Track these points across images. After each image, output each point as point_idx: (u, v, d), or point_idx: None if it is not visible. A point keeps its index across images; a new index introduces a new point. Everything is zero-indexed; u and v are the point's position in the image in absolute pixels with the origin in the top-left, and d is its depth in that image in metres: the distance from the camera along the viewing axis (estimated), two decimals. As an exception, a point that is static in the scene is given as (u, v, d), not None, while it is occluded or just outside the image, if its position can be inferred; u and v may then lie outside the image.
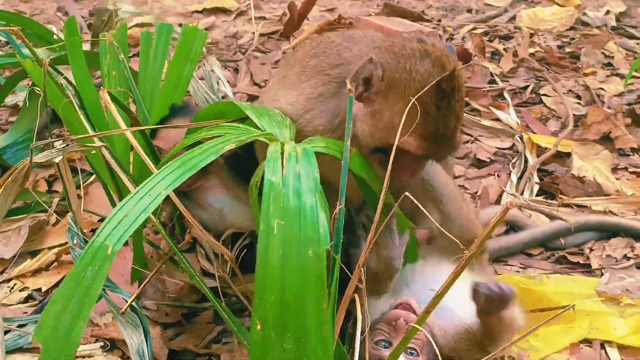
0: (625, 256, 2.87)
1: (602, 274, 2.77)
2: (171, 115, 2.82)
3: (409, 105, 1.90)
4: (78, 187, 3.09)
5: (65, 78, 2.55)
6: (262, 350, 1.60)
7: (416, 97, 1.90)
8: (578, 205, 3.24)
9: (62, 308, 1.56)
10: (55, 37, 3.81)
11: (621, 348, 2.44)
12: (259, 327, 1.59)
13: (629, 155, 3.72)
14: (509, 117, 4.05)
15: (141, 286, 2.33)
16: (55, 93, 2.53)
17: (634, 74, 4.62)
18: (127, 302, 2.24)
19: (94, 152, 2.48)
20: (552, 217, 3.15)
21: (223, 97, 4.03)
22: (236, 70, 4.88)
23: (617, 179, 3.44)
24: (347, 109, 2.02)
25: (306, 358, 1.61)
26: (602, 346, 2.45)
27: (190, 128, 2.21)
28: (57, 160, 2.26)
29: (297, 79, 2.29)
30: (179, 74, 2.87)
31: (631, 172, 3.55)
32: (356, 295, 1.92)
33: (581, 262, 2.90)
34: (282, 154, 1.78)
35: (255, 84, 4.64)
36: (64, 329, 1.54)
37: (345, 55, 2.20)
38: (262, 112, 2.08)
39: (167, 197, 1.94)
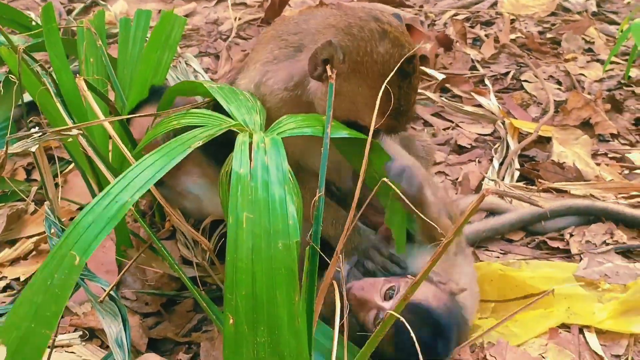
0: (604, 242, 2.88)
1: (581, 259, 2.77)
2: (149, 98, 2.79)
3: (377, 88, 1.94)
4: (57, 175, 3.08)
5: (42, 65, 2.52)
6: (235, 344, 1.59)
7: (384, 84, 1.94)
8: (558, 190, 3.25)
9: (27, 314, 1.52)
10: (33, 23, 3.76)
11: (599, 332, 2.46)
12: (231, 321, 1.58)
13: (609, 141, 3.74)
14: (490, 103, 4.05)
15: (119, 275, 2.32)
16: (32, 81, 2.51)
17: (614, 59, 4.64)
18: (105, 291, 2.23)
19: (70, 140, 2.45)
20: (531, 204, 3.16)
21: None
22: (217, 57, 4.85)
23: (597, 164, 3.45)
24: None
25: (280, 350, 1.61)
26: (581, 331, 2.46)
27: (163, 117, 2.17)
28: (32, 149, 2.24)
29: (256, 51, 2.37)
30: (157, 60, 2.83)
31: (611, 158, 3.58)
32: (335, 282, 1.92)
33: (561, 247, 2.91)
34: (250, 144, 1.76)
35: (236, 70, 4.60)
36: (29, 333, 1.51)
37: (302, 26, 2.24)
38: (231, 97, 2.06)
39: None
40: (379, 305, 2.03)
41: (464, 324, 2.17)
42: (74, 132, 2.16)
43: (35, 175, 3.44)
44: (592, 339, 2.43)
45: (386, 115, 2.02)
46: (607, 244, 2.86)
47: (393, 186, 1.75)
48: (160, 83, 2.89)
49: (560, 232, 3.00)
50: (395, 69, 1.98)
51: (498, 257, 2.86)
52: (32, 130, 2.25)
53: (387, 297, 2.05)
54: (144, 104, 2.81)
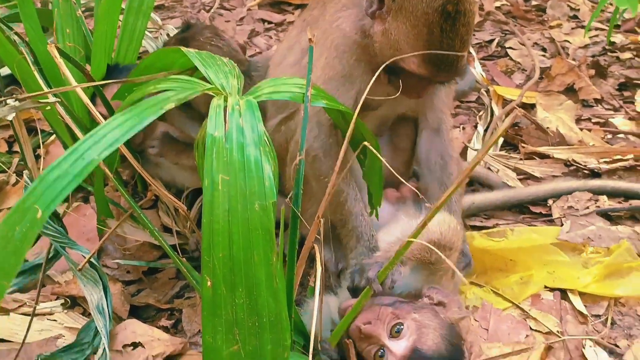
0: (587, 208, 2.88)
1: (562, 223, 2.78)
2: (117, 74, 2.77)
3: (419, 28, 1.95)
4: (38, 147, 3.07)
5: (18, 34, 2.49)
6: (213, 305, 1.59)
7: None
8: (541, 155, 3.25)
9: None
10: (10, -5, 3.72)
11: (582, 295, 2.47)
12: (209, 283, 1.58)
13: (593, 106, 3.73)
14: (475, 70, 4.03)
15: (100, 242, 2.31)
16: (9, 51, 2.48)
17: (599, 25, 4.63)
18: (86, 258, 2.22)
19: (48, 108, 2.42)
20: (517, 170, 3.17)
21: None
22: (200, 28, 4.79)
23: (581, 129, 3.45)
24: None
25: (258, 311, 1.61)
26: (563, 296, 2.48)
27: (139, 82, 2.14)
28: (9, 117, 2.22)
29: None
30: (131, 28, 2.80)
31: (594, 123, 3.57)
32: (315, 246, 1.93)
33: (543, 212, 2.91)
34: (225, 108, 1.72)
35: (220, 43, 4.56)
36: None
37: None
38: (210, 62, 2.03)
39: (126, 157, 1.92)
40: (385, 343, 1.94)
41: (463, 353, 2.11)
42: (51, 99, 2.14)
43: (17, 147, 3.41)
44: (576, 300, 2.45)
45: (426, 59, 2.00)
46: (589, 208, 2.86)
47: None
48: (136, 50, 2.86)
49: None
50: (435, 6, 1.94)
51: (482, 222, 2.86)
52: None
53: (393, 332, 1.95)
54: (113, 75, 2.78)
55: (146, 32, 3.69)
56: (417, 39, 1.99)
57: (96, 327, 2.19)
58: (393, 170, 1.85)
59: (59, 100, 2.17)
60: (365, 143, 1.87)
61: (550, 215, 2.88)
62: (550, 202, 2.95)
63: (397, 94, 2.06)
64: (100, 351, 2.13)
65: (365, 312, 1.98)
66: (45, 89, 2.31)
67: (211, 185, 1.59)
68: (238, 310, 1.60)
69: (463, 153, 3.35)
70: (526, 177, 3.15)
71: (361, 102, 1.84)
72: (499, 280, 2.55)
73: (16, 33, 2.46)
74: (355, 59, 2.23)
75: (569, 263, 2.55)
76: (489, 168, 3.19)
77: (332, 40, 2.26)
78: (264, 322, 1.62)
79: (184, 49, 2.08)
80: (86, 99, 2.00)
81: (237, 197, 1.59)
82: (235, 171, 1.61)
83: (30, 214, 1.50)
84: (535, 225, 2.83)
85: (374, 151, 1.87)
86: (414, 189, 2.09)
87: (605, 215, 2.84)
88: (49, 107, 2.29)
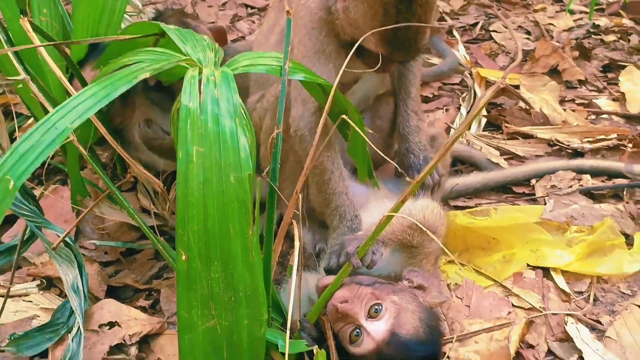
0: (570, 187, 2.86)
1: (546, 203, 2.76)
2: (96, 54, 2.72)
3: (375, 7, 1.93)
4: (15, 130, 3.03)
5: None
6: (188, 279, 1.56)
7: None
8: (524, 135, 3.23)
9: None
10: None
11: (564, 273, 2.45)
12: (184, 257, 1.55)
13: (576, 87, 3.72)
14: (458, 53, 4.01)
15: (76, 222, 2.28)
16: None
17: (583, 9, 4.62)
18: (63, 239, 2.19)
19: (20, 86, 2.39)
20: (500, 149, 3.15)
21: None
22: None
23: (564, 110, 3.43)
24: None
25: (234, 285, 1.59)
26: (545, 274, 2.46)
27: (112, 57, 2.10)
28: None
29: None
30: (111, 10, 2.74)
31: (578, 104, 3.56)
32: (294, 222, 1.90)
33: (526, 192, 2.89)
34: (200, 79, 1.68)
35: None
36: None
37: None
38: (187, 36, 2.00)
39: (105, 140, 1.88)
40: (362, 324, 1.89)
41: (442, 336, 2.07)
42: (23, 75, 2.09)
43: (-5, 131, 3.37)
44: (558, 278, 2.43)
45: (383, 39, 1.99)
46: (572, 187, 2.85)
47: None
48: (114, 32, 2.81)
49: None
50: None
51: (464, 202, 2.84)
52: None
53: (372, 312, 1.91)
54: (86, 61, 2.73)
55: (126, 16, 3.67)
56: (374, 19, 1.97)
57: (71, 307, 2.17)
58: (373, 145, 1.84)
59: (31, 77, 2.13)
60: (345, 117, 1.85)
61: (534, 194, 2.85)
62: (533, 181, 2.92)
63: (370, 70, 2.05)
64: (74, 330, 2.10)
65: (342, 290, 1.94)
66: (19, 68, 2.28)
67: (185, 157, 1.56)
68: (214, 284, 1.57)
69: (446, 133, 3.33)
70: (510, 157, 3.13)
71: (339, 77, 1.82)
72: (481, 258, 2.53)
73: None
74: (324, 35, 2.19)
75: (552, 242, 2.53)
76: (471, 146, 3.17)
77: (302, 17, 2.23)
78: (240, 297, 1.60)
79: (162, 24, 2.05)
80: (59, 72, 1.96)
81: (212, 169, 1.56)
82: (210, 142, 1.58)
83: (2, 185, 1.48)
84: (519, 205, 2.80)
85: (354, 126, 1.85)
86: (396, 165, 2.08)
87: (589, 194, 2.81)
88: (20, 85, 2.26)
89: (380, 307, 1.91)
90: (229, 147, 1.58)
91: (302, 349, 1.84)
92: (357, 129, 1.88)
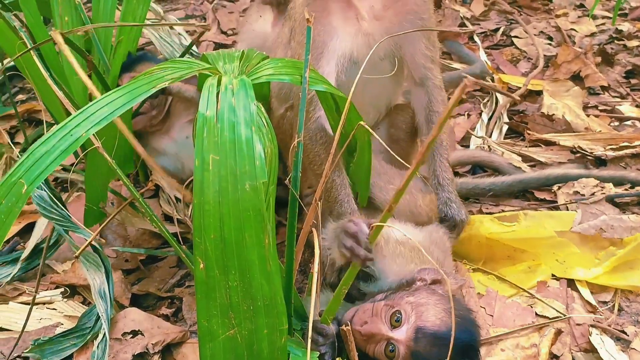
0: (593, 194, 2.83)
1: (567, 208, 2.74)
2: (132, 64, 2.74)
3: None
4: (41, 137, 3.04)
5: (18, 17, 2.47)
6: (207, 288, 1.56)
7: None
8: (546, 142, 3.21)
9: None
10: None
11: (589, 284, 2.43)
12: (201, 265, 1.55)
13: (599, 93, 3.69)
14: (479, 58, 4.00)
15: (102, 226, 2.29)
16: (9, 38, 2.46)
17: (606, 14, 4.58)
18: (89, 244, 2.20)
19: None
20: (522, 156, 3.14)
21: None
22: (203, 20, 4.78)
23: (587, 116, 3.40)
24: None
25: (252, 294, 1.58)
26: (571, 283, 2.44)
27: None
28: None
29: None
30: (132, 17, 2.76)
31: (601, 110, 3.53)
32: (314, 230, 1.90)
33: (548, 198, 2.86)
34: (218, 87, 1.68)
35: (223, 33, 4.56)
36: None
37: None
38: (222, 55, 2.01)
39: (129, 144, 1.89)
40: (390, 336, 1.87)
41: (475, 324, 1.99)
42: (49, 80, 2.11)
43: (19, 138, 3.40)
44: (583, 289, 2.41)
45: None
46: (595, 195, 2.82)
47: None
48: (137, 38, 2.83)
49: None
50: None
51: (488, 209, 2.82)
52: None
53: (393, 322, 1.88)
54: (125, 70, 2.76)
55: (148, 22, 3.69)
56: None
57: (97, 313, 2.18)
58: (392, 152, 1.83)
59: (56, 83, 2.15)
60: (362, 123, 1.84)
61: (556, 201, 2.82)
62: (555, 188, 2.89)
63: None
64: (100, 337, 2.11)
65: (358, 314, 1.93)
66: (46, 76, 2.30)
67: (201, 165, 1.56)
68: (232, 293, 1.57)
69: (466, 140, 3.32)
70: (532, 165, 3.10)
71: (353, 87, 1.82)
72: (505, 268, 2.51)
73: (16, 15, 2.44)
74: None
75: (580, 254, 2.50)
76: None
77: (297, 17, 2.27)
78: (259, 306, 1.60)
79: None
80: (85, 77, 1.97)
81: (228, 177, 1.56)
82: (225, 151, 1.57)
83: (15, 189, 1.50)
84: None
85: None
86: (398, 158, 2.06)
87: (612, 202, 2.78)
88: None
89: (400, 314, 1.89)
90: (245, 155, 1.58)
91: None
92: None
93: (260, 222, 1.56)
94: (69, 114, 2.12)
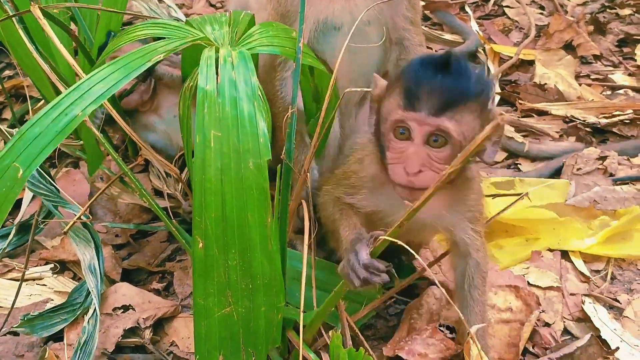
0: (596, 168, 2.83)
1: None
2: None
3: None
4: (27, 112, 3.02)
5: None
6: (205, 267, 1.56)
7: None
8: (539, 112, 3.19)
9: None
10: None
11: (582, 254, 2.43)
12: (200, 244, 1.54)
13: (592, 62, 3.66)
14: (470, 28, 3.95)
15: (90, 201, 2.27)
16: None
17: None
18: (79, 220, 2.19)
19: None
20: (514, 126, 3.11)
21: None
22: (192, -8, 4.72)
23: (580, 85, 3.38)
24: None
25: (252, 273, 1.57)
26: (565, 254, 2.43)
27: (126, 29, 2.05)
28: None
29: None
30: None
31: (593, 79, 3.51)
32: (304, 202, 1.87)
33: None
34: (217, 60, 1.64)
35: (212, 5, 4.50)
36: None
37: None
38: (206, 19, 1.96)
39: (115, 121, 1.85)
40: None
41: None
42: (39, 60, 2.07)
43: (6, 114, 3.36)
44: (577, 260, 2.41)
45: None
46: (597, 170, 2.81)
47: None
48: (122, 9, 2.77)
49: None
50: None
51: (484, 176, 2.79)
52: None
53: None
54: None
55: (135, -5, 3.65)
56: None
57: (88, 288, 2.16)
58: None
59: (43, 58, 2.11)
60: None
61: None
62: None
63: None
64: (90, 312, 2.10)
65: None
66: (33, 51, 2.27)
67: (202, 142, 1.53)
68: (231, 272, 1.57)
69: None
70: (525, 135, 3.08)
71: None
72: (502, 239, 2.49)
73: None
74: None
75: (577, 227, 2.49)
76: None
77: None
78: (258, 285, 1.59)
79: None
80: (68, 56, 1.93)
81: (230, 154, 1.53)
82: (228, 127, 1.54)
83: (10, 173, 1.46)
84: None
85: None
86: None
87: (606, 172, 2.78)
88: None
89: None
90: (248, 132, 1.55)
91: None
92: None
93: (263, 201, 1.54)
94: (56, 89, 2.10)
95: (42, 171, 2.34)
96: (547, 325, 2.14)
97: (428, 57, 1.64)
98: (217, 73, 1.60)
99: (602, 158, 2.84)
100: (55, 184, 2.33)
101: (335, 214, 1.88)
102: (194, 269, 1.58)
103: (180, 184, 2.63)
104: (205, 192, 1.53)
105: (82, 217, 2.23)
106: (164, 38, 1.80)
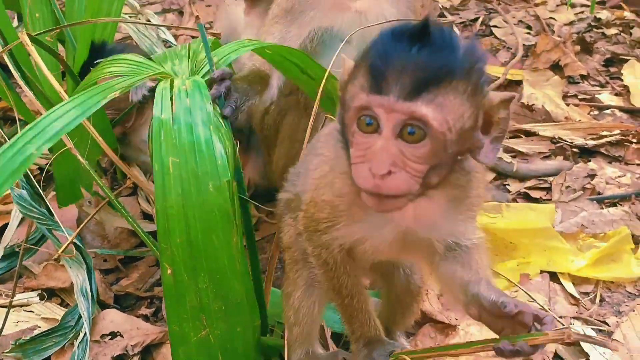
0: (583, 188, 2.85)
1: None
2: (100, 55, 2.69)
3: None
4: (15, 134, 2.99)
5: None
6: (177, 292, 1.56)
7: None
8: (527, 133, 3.21)
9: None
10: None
11: (571, 276, 2.43)
12: (169, 271, 1.55)
13: (579, 82, 3.68)
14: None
15: (81, 226, 2.27)
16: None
17: (584, 2, 4.58)
18: (71, 244, 2.19)
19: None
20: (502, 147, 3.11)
21: (165, 43, 3.88)
22: (181, 13, 4.74)
23: (567, 105, 3.40)
24: None
25: (223, 295, 1.59)
26: (554, 277, 2.43)
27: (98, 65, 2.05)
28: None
29: None
30: (107, 12, 2.70)
31: (580, 99, 3.53)
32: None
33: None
34: (171, 90, 1.68)
35: (200, 25, 4.50)
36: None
37: None
38: (169, 57, 1.98)
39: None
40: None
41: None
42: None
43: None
44: (566, 282, 2.41)
45: None
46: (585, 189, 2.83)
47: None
48: (112, 35, 2.78)
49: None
50: None
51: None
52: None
53: None
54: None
55: (126, 16, 3.64)
56: None
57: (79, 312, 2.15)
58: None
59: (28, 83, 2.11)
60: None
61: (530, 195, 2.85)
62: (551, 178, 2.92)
63: None
64: (81, 336, 2.09)
65: None
66: (16, 75, 2.27)
67: (161, 169, 1.56)
68: (202, 295, 1.57)
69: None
70: (513, 155, 3.09)
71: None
72: (495, 263, 2.48)
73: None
74: None
75: (567, 249, 2.49)
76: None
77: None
78: (230, 305, 1.60)
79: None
80: (54, 82, 1.94)
81: (190, 179, 1.56)
82: (185, 152, 1.58)
83: None
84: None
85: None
86: None
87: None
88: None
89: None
90: (205, 156, 1.58)
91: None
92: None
93: (227, 222, 1.56)
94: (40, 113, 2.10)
95: (35, 193, 2.33)
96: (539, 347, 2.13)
97: (401, 26, 1.26)
98: (171, 102, 1.64)
99: (591, 176, 2.85)
100: (48, 207, 2.32)
101: (326, 272, 1.62)
102: (165, 296, 1.59)
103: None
104: (168, 218, 1.55)
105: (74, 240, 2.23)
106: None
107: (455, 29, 4.24)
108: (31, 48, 2.05)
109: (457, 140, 1.24)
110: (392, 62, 1.21)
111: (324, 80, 1.81)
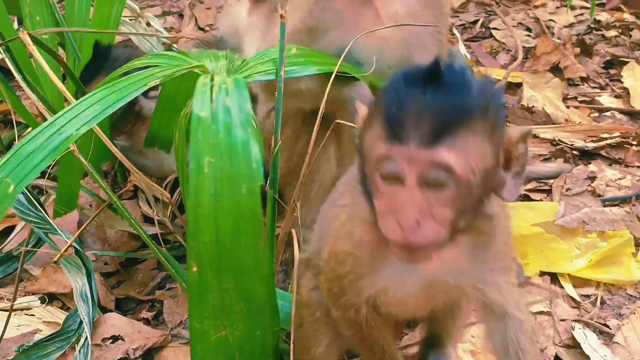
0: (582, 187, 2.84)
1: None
2: (102, 59, 2.69)
3: None
4: (14, 139, 3.00)
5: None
6: (200, 291, 1.56)
7: None
8: (527, 136, 3.20)
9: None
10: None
11: (572, 277, 2.43)
12: (194, 268, 1.53)
13: (578, 84, 3.69)
14: (459, 51, 3.98)
15: (81, 228, 2.27)
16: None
17: (584, 4, 4.59)
18: (71, 247, 2.20)
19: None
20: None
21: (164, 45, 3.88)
22: (181, 16, 4.74)
23: (567, 107, 3.41)
24: None
25: (246, 297, 1.58)
26: (554, 279, 2.43)
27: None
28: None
29: None
30: (107, 15, 2.71)
31: (580, 101, 3.53)
32: (293, 231, 1.88)
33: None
34: (212, 87, 1.65)
35: (200, 29, 4.51)
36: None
37: None
38: (202, 53, 1.97)
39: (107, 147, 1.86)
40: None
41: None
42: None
43: (-6, 140, 3.34)
44: (566, 284, 2.40)
45: None
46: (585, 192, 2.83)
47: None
48: (111, 38, 2.78)
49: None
50: None
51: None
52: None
53: None
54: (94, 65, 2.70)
55: (125, 19, 3.64)
56: None
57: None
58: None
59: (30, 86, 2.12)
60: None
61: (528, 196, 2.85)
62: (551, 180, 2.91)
63: None
64: (82, 340, 2.09)
65: None
66: (18, 77, 2.27)
67: (197, 168, 1.53)
68: (225, 295, 1.57)
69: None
70: (514, 157, 3.09)
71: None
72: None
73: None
74: None
75: (565, 249, 2.50)
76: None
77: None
78: (252, 308, 1.60)
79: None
80: (58, 82, 1.94)
81: (224, 180, 1.53)
82: (221, 153, 1.55)
83: (1, 188, 1.46)
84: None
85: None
86: None
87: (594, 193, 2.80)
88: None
89: None
90: (241, 158, 1.55)
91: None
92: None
93: (256, 226, 1.54)
94: (41, 115, 2.11)
95: (32, 197, 2.33)
96: (540, 351, 2.14)
97: (412, 69, 1.25)
98: (211, 100, 1.61)
99: (591, 179, 2.86)
100: (45, 211, 2.32)
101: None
102: (189, 293, 1.59)
103: (169, 209, 2.63)
104: (198, 217, 1.53)
105: (73, 244, 2.23)
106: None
107: (456, 32, 4.24)
108: (33, 48, 2.05)
109: (481, 181, 1.23)
110: (408, 108, 1.19)
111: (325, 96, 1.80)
